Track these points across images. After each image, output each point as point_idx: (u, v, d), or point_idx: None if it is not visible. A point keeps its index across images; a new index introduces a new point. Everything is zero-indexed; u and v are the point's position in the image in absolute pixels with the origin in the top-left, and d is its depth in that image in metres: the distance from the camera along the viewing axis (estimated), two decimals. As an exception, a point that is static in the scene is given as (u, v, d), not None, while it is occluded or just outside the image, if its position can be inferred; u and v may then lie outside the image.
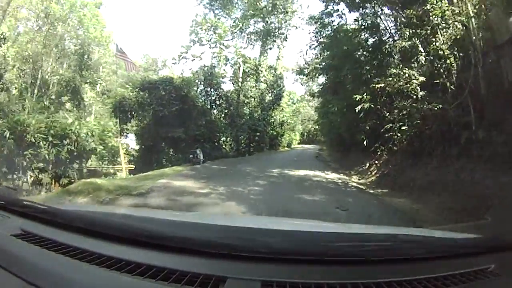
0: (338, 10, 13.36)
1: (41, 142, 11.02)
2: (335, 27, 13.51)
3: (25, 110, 17.45)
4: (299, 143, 45.22)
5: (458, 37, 8.80)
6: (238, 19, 30.48)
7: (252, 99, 27.39)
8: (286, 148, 33.20)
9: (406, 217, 5.21)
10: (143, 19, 74.96)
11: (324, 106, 16.47)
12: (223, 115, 23.34)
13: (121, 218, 1.44)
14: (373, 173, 10.40)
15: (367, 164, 11.00)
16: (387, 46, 10.83)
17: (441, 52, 8.87)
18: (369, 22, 11.86)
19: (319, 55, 14.34)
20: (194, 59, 25.30)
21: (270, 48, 29.72)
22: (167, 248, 1.03)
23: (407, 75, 10.00)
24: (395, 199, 7.09)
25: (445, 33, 9.34)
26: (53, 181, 10.97)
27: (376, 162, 10.74)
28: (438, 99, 8.63)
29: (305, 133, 55.87)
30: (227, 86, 29.29)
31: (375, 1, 11.37)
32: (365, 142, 10.80)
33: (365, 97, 10.13)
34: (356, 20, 12.42)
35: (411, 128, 9.42)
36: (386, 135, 10.41)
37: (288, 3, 28.81)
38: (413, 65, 10.32)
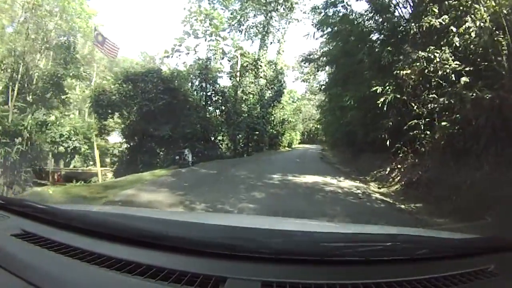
0: (343, 1, 11.31)
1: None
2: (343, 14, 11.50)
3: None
4: (299, 143, 43.37)
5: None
6: (236, 11, 28.68)
7: (251, 96, 25.53)
8: (286, 148, 31.09)
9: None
10: (140, 17, 72.94)
11: (330, 101, 14.37)
12: (219, 112, 21.43)
13: (121, 218, 1.36)
14: (396, 180, 8.48)
15: (388, 169, 9.06)
16: (410, 26, 8.92)
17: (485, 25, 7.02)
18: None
19: (328, 40, 12.28)
20: (188, 53, 23.31)
21: (271, 43, 27.94)
22: (167, 248, 1.02)
23: (438, 59, 8.13)
24: (439, 220, 5.20)
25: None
26: (4, 188, 9.04)
27: (399, 166, 8.82)
28: (485, 87, 6.72)
29: (306, 133, 54.20)
30: (224, 81, 27.59)
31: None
32: (387, 142, 8.86)
33: (389, 87, 8.20)
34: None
35: (452, 123, 7.45)
36: (411, 133, 8.52)
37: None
38: (444, 48, 8.42)
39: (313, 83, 40.57)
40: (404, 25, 9.69)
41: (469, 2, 8.07)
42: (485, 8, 7.69)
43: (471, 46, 8.18)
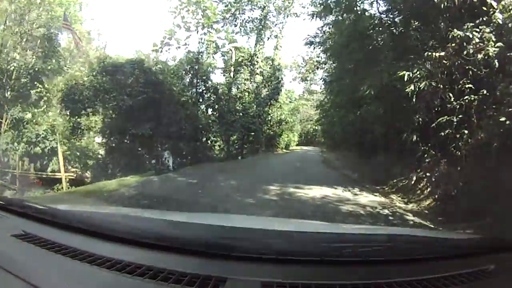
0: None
1: None
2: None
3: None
4: (297, 145, 41.52)
5: None
6: (230, 3, 26.87)
7: (246, 94, 23.67)
8: (284, 150, 29.11)
9: None
10: (135, 14, 70.61)
11: (337, 96, 12.32)
12: (211, 111, 19.56)
13: (121, 219, 1.39)
14: (426, 193, 6.67)
15: (413, 177, 7.21)
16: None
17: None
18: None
19: (334, 24, 10.35)
20: (179, 47, 21.35)
21: (268, 38, 26.10)
22: (167, 248, 1.02)
23: (477, 39, 6.41)
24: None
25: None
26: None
27: (427, 174, 7.01)
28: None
29: (303, 134, 52.48)
30: (218, 78, 25.82)
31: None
32: (412, 143, 7.04)
33: (418, 72, 6.39)
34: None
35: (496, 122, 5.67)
36: (443, 133, 6.75)
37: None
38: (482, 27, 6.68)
39: (310, 84, 39.11)
40: None
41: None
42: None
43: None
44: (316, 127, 46.13)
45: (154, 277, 0.87)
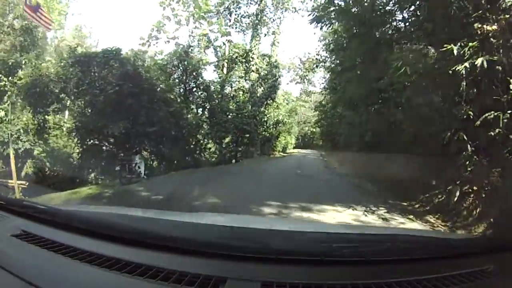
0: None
1: None
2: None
3: None
4: (294, 148, 39.85)
5: None
6: (225, -5, 25.14)
7: (240, 92, 21.96)
8: (281, 154, 27.23)
9: None
10: (129, 9, 68.67)
11: (345, 90, 10.26)
12: (201, 110, 17.75)
13: (121, 219, 1.36)
14: (475, 213, 4.92)
15: (456, 192, 5.41)
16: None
17: None
18: None
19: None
20: (168, 41, 19.53)
21: (265, 35, 24.41)
22: (167, 248, 1.02)
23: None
24: None
25: None
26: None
27: (475, 187, 5.25)
28: None
29: (300, 137, 51.07)
30: (210, 75, 24.12)
31: None
32: (458, 145, 5.27)
33: (469, 47, 4.64)
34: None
35: None
36: (492, 133, 5.07)
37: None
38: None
39: (310, 82, 37.65)
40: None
41: None
42: None
43: None
44: (314, 129, 44.74)
45: (154, 277, 0.86)
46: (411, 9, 5.80)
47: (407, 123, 5.71)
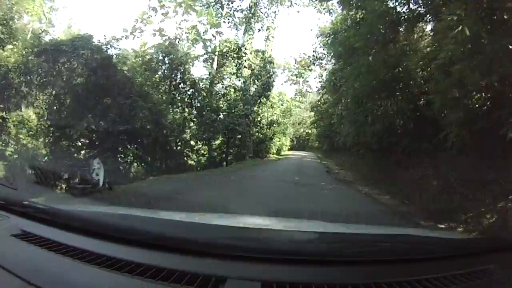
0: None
1: None
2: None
3: None
4: (288, 149, 38.37)
5: None
6: (216, -13, 23.64)
7: (232, 90, 20.47)
8: (276, 156, 25.63)
9: None
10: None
11: (357, 77, 8.39)
12: (187, 108, 16.18)
13: (121, 219, 1.36)
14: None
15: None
16: None
17: None
18: None
19: None
20: (155, 34, 17.86)
21: (259, 30, 22.92)
22: (167, 248, 1.01)
23: None
24: None
25: None
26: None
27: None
28: None
29: (295, 139, 49.70)
30: (199, 71, 22.46)
31: None
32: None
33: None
34: None
35: None
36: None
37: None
38: None
39: (306, 81, 36.43)
40: None
41: None
42: None
43: None
44: (309, 131, 43.41)
45: (154, 276, 0.85)
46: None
47: (451, 115, 4.27)
